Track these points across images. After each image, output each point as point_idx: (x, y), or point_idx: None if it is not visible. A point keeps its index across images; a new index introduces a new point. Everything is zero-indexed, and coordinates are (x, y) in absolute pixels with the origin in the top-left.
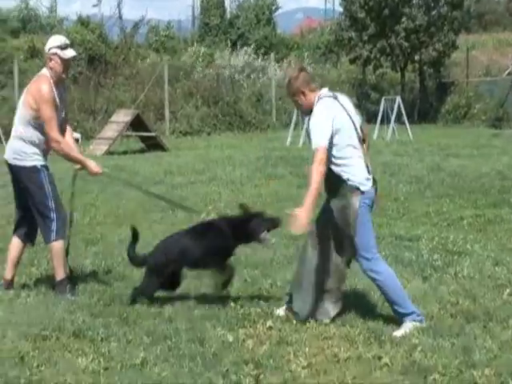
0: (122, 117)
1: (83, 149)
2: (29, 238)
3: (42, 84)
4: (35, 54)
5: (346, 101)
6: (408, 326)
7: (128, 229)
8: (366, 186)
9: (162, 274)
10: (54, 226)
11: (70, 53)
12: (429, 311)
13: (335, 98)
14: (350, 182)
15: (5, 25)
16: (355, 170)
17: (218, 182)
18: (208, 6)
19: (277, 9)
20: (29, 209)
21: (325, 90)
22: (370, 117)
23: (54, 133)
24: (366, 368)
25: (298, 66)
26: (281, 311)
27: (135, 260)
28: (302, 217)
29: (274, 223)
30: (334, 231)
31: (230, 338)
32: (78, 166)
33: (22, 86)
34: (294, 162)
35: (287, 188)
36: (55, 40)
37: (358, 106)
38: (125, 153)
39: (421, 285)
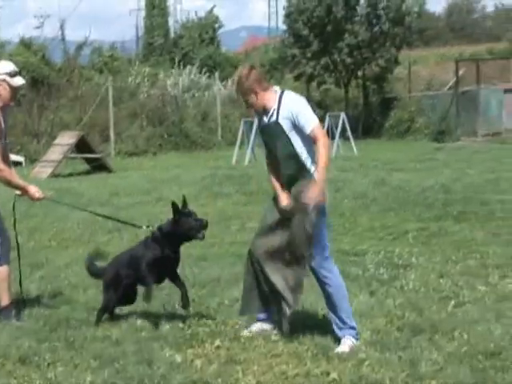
0: (67, 139)
1: (27, 172)
2: None
3: None
4: None
5: None
6: (349, 342)
7: (73, 252)
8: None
9: (117, 288)
10: None
11: (19, 81)
12: (376, 325)
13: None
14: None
15: None
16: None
17: (165, 201)
18: (152, 26)
19: (220, 27)
20: None
21: (277, 88)
22: None
23: None
24: None
25: (249, 65)
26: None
27: (93, 270)
28: (315, 191)
29: (202, 224)
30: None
31: (179, 359)
32: (19, 192)
33: None
34: (241, 180)
35: (234, 206)
36: (4, 66)
37: None
38: (70, 175)
39: (368, 299)
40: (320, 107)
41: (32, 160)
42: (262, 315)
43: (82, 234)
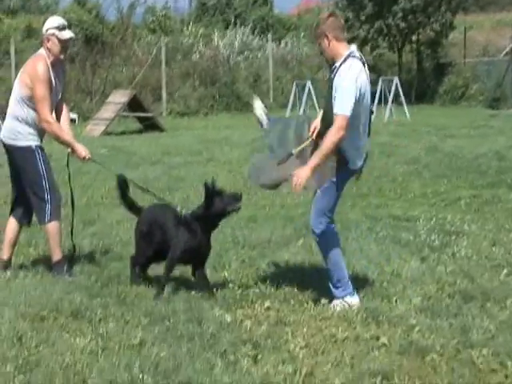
0: (119, 97)
1: (80, 130)
2: (25, 219)
3: (38, 63)
4: (32, 34)
5: (366, 70)
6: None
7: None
8: (356, 164)
9: (148, 246)
10: (48, 207)
11: (67, 34)
12: (427, 291)
13: (363, 63)
14: (342, 153)
15: (2, 5)
16: (353, 143)
17: (216, 162)
18: None
19: None
20: (24, 189)
21: (354, 48)
22: None
23: (44, 113)
24: (363, 348)
25: (331, 11)
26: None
27: (128, 200)
28: (301, 175)
29: (235, 199)
30: None
31: (228, 319)
32: (70, 149)
33: (18, 66)
34: None
35: None
36: (53, 21)
37: None
38: (122, 133)
39: (419, 265)
40: (373, 71)
41: (85, 118)
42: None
43: (133, 192)
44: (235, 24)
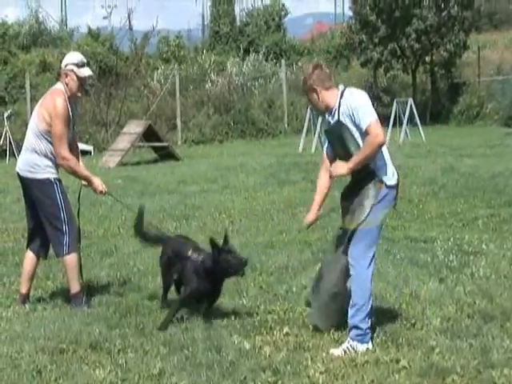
0: (134, 128)
1: (96, 161)
2: (42, 251)
3: (58, 98)
4: (46, 68)
5: None
6: (345, 346)
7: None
8: (392, 180)
9: (168, 274)
10: (65, 240)
11: (86, 72)
12: (446, 312)
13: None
14: (375, 174)
15: (16, 40)
16: (383, 161)
17: (232, 189)
18: (218, 15)
19: (286, 14)
20: (41, 222)
21: (341, 86)
22: (381, 120)
23: (62, 150)
24: (384, 371)
25: (314, 64)
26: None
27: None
28: (341, 167)
29: (241, 264)
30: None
31: (247, 346)
32: (84, 182)
33: (33, 101)
34: (307, 167)
35: (300, 193)
36: (72, 57)
37: None
38: (138, 163)
39: (437, 286)
40: (387, 93)
41: (100, 149)
42: None
43: (149, 221)
44: (248, 51)
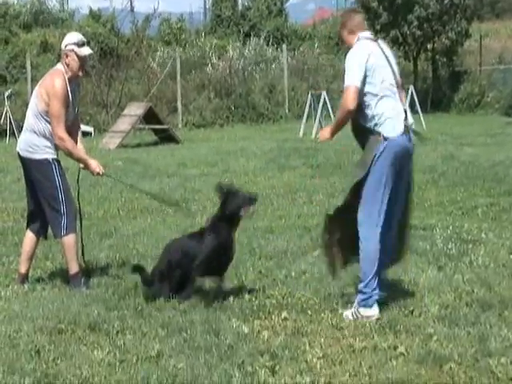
0: (135, 110)
1: (96, 142)
2: (42, 232)
3: (57, 79)
4: (47, 49)
5: (386, 46)
6: (353, 310)
7: (142, 222)
8: (391, 133)
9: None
10: (63, 221)
11: (86, 50)
12: (444, 300)
13: (375, 40)
14: (372, 128)
15: (17, 20)
16: (386, 111)
17: (232, 173)
18: None
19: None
20: (40, 203)
21: (366, 33)
22: None
23: (59, 130)
24: (381, 358)
25: (351, 8)
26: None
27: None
28: (325, 131)
29: (250, 199)
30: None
31: (246, 330)
32: (81, 165)
33: (34, 81)
34: (307, 153)
35: (300, 179)
36: (72, 37)
37: None
38: (138, 146)
39: (436, 274)
40: None
41: (101, 130)
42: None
43: (149, 203)
44: (249, 35)
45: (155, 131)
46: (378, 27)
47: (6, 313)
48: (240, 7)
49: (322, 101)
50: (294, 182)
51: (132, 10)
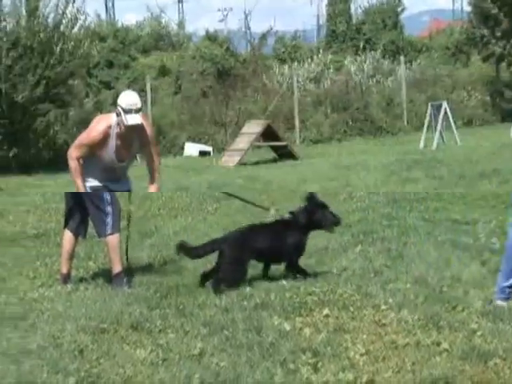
0: (253, 128)
1: (215, 161)
2: (80, 231)
3: (101, 123)
4: (165, 72)
5: None
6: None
7: (183, 220)
8: None
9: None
10: (109, 220)
11: (131, 120)
12: (488, 295)
13: None
14: None
15: (136, 44)
16: None
17: (353, 187)
18: (334, 14)
19: (403, 10)
20: (81, 201)
21: None
22: (504, 115)
23: (73, 150)
24: (424, 354)
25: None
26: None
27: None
28: None
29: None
30: None
31: (287, 327)
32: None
33: (153, 104)
34: (429, 164)
35: (424, 191)
36: (124, 99)
37: (492, 105)
38: (257, 163)
39: (479, 269)
40: (510, 88)
41: (219, 149)
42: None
43: (190, 202)
44: (365, 49)
45: (274, 148)
46: (499, 34)
47: (49, 312)
48: (354, 21)
49: (442, 111)
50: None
51: (249, 29)
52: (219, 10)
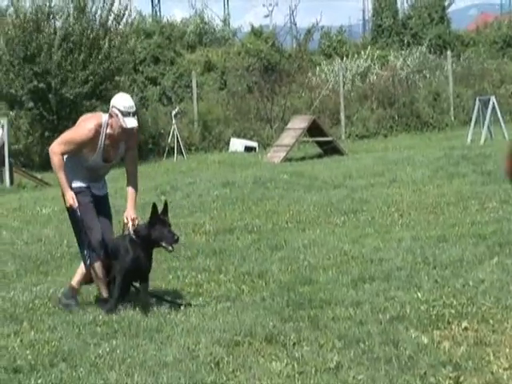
0: (299, 123)
1: (261, 157)
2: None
3: (89, 122)
4: (211, 68)
5: None
6: None
7: (311, 233)
8: None
9: None
10: (85, 252)
11: (130, 123)
12: None
13: None
14: None
15: (181, 40)
16: None
17: (399, 183)
18: (380, 8)
19: (449, 5)
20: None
21: None
22: None
23: (57, 146)
24: None
25: None
26: None
27: None
28: None
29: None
30: None
31: (425, 340)
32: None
33: (199, 99)
34: (477, 159)
35: (471, 186)
36: (120, 101)
37: None
38: (303, 159)
39: None
40: None
41: (265, 145)
42: None
43: (317, 215)
44: (411, 43)
45: (319, 144)
46: None
47: (183, 325)
48: (401, 16)
49: (490, 106)
50: (464, 190)
51: (295, 24)
52: (264, 5)
